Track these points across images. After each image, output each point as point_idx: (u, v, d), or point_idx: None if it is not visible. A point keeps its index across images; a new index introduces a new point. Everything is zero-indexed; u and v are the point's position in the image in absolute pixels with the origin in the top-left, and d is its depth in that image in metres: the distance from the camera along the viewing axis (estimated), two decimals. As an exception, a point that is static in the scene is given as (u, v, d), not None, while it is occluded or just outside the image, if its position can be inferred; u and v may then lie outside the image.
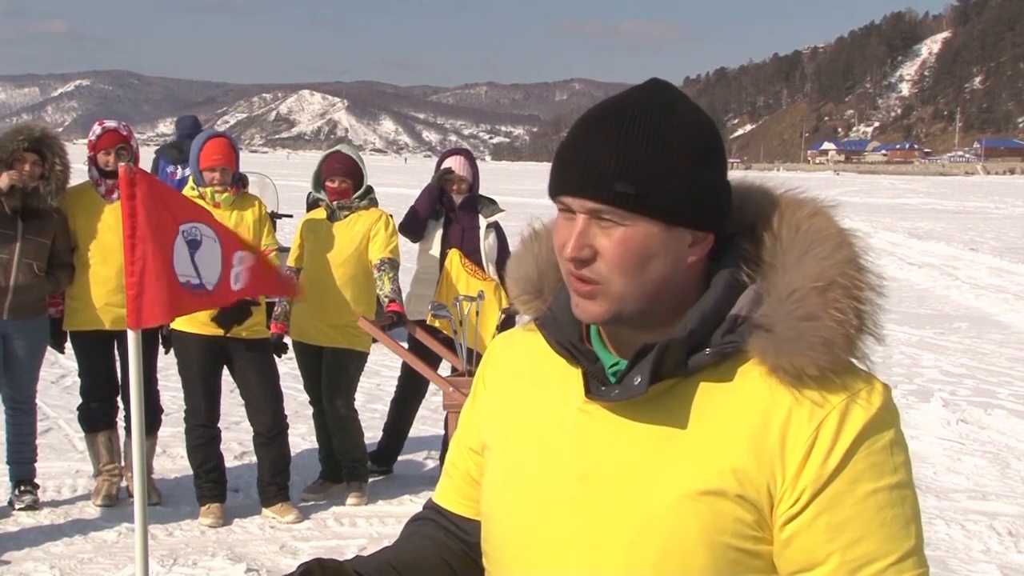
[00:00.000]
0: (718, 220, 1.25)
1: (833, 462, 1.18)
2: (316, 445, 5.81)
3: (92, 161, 5.21)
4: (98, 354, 5.25)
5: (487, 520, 1.38)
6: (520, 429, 1.35)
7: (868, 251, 1.26)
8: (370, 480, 5.63)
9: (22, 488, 5.18)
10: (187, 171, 7.17)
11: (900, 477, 1.21)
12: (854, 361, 1.24)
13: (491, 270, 5.74)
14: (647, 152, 1.19)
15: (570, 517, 1.26)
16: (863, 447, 1.19)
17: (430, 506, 1.52)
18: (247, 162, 6.52)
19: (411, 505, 5.42)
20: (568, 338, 1.30)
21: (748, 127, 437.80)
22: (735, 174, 1.34)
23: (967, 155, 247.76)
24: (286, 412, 5.31)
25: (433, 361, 5.57)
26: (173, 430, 5.96)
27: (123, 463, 5.37)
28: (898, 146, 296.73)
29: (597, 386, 1.27)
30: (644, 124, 1.21)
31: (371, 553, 1.42)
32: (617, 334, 1.28)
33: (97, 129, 5.24)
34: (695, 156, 1.22)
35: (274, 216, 8.29)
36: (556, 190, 1.25)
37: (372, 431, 5.97)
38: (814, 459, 1.19)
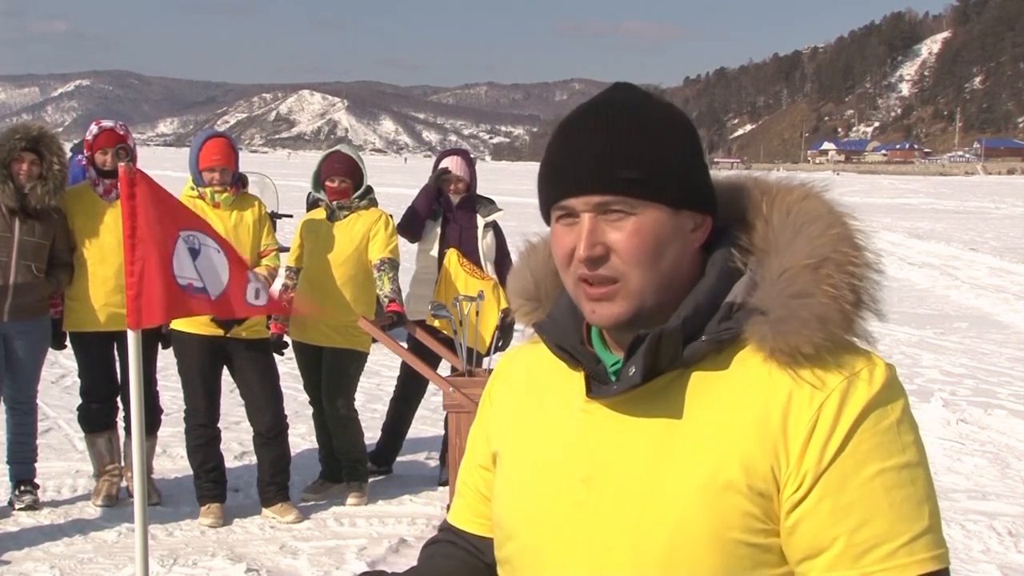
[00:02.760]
0: (713, 202, 1.26)
1: (835, 444, 1.16)
2: (316, 445, 5.81)
3: (90, 161, 5.20)
4: (97, 354, 5.25)
5: (498, 528, 1.37)
6: (526, 436, 1.34)
7: (863, 230, 1.24)
8: (370, 480, 5.63)
9: (22, 488, 5.18)
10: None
11: (909, 456, 1.18)
12: (854, 340, 1.21)
13: (489, 269, 5.74)
14: (641, 138, 1.20)
15: (575, 519, 1.25)
16: (867, 427, 1.16)
17: (445, 527, 1.51)
18: (247, 162, 6.52)
19: (411, 505, 5.42)
20: (568, 341, 1.30)
21: (748, 127, 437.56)
22: (730, 172, 1.35)
23: (967, 155, 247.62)
24: (286, 412, 5.31)
25: (433, 361, 5.57)
26: (173, 430, 5.96)
27: (123, 463, 5.37)
28: (898, 146, 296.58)
29: (598, 385, 1.27)
30: (630, 114, 1.21)
31: (406, 571, 1.41)
32: (629, 333, 1.27)
33: (94, 129, 5.23)
34: (682, 140, 1.23)
35: (274, 216, 8.29)
36: (554, 195, 1.24)
37: (372, 431, 5.96)
38: (815, 442, 1.16)
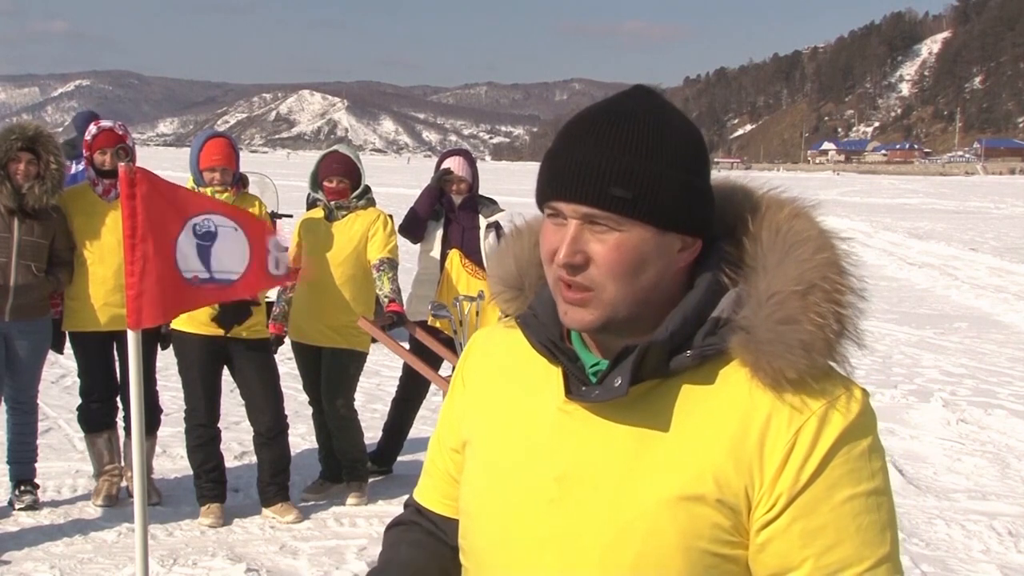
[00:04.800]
0: (706, 225, 1.26)
1: (810, 468, 1.19)
2: (316, 445, 5.81)
3: (88, 161, 5.20)
4: (97, 354, 5.25)
5: (466, 517, 1.38)
6: (500, 427, 1.35)
7: (850, 253, 1.25)
8: (370, 480, 5.63)
9: (22, 488, 5.18)
10: (80, 165, 7.05)
11: (877, 483, 1.21)
12: (833, 365, 1.23)
13: (491, 270, 5.73)
14: (641, 157, 1.19)
15: (546, 517, 1.26)
16: (841, 453, 1.19)
17: (411, 504, 1.52)
18: (247, 162, 6.52)
19: (411, 505, 5.42)
20: (549, 337, 1.30)
21: (748, 127, 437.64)
22: (719, 174, 1.34)
23: (967, 155, 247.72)
24: (286, 412, 5.31)
25: (434, 361, 5.57)
26: (173, 430, 5.96)
27: (123, 463, 5.37)
28: (898, 146, 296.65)
29: (578, 386, 1.27)
30: (637, 130, 1.21)
31: (372, 570, 1.42)
32: (601, 337, 1.28)
33: (93, 129, 5.22)
34: (686, 162, 1.22)
35: (274, 216, 8.27)
36: (547, 195, 1.24)
37: (372, 431, 5.97)
38: (791, 465, 1.19)
